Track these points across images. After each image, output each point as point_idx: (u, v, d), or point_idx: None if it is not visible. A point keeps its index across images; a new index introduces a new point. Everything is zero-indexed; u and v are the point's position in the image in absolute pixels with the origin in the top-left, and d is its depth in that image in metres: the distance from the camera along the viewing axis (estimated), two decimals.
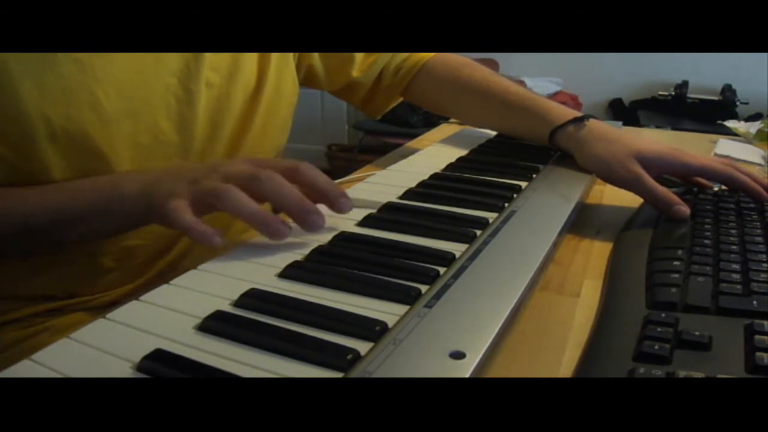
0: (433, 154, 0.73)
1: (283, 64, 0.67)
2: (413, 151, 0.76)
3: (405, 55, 0.78)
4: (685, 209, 0.53)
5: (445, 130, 0.96)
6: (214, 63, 0.59)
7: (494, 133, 0.81)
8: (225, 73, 0.60)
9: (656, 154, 0.57)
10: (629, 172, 0.56)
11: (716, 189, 0.60)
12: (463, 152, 0.72)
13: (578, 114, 0.65)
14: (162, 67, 0.55)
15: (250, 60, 0.63)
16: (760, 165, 0.81)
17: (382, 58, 0.77)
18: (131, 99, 0.53)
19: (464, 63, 0.77)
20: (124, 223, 0.52)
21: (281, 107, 0.68)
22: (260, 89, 0.64)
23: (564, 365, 0.36)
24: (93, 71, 0.51)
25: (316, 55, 0.73)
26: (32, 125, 0.49)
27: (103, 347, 0.33)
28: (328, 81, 0.76)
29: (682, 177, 0.62)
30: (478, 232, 0.47)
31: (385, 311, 0.36)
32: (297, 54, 0.71)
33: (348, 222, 0.50)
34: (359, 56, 0.76)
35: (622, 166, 0.57)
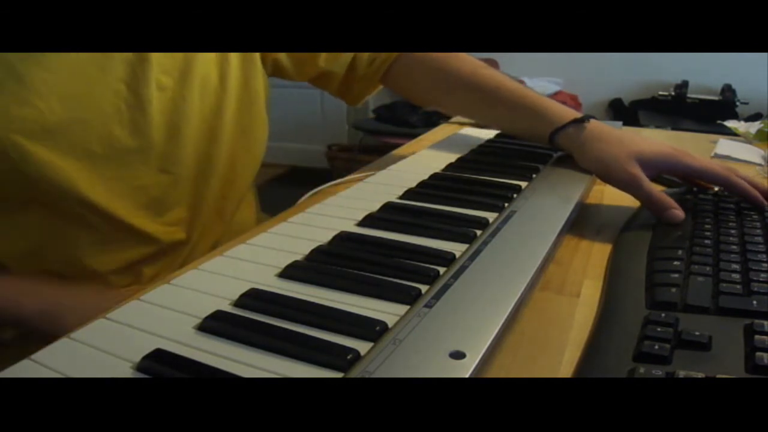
0: (432, 154, 0.73)
1: (248, 61, 0.65)
2: (412, 152, 0.76)
3: None
4: (679, 213, 0.52)
5: (445, 130, 0.96)
6: (164, 65, 0.57)
7: (494, 133, 0.81)
8: (177, 75, 0.58)
9: (657, 155, 0.57)
10: (626, 174, 0.56)
11: (716, 189, 0.60)
12: (463, 152, 0.72)
13: (578, 114, 0.65)
14: (107, 74, 0.54)
15: (204, 60, 0.60)
16: (760, 165, 0.81)
17: None
18: (76, 108, 0.52)
19: (452, 54, 0.74)
20: None
21: (254, 102, 0.66)
22: (224, 88, 0.62)
23: (564, 365, 0.36)
24: (34, 85, 0.50)
25: None
26: None
27: (103, 347, 0.33)
28: (297, 72, 0.74)
29: (683, 177, 0.62)
30: (478, 232, 0.48)
31: (385, 311, 0.36)
32: None
33: (348, 222, 0.50)
34: None
35: (620, 167, 0.57)
